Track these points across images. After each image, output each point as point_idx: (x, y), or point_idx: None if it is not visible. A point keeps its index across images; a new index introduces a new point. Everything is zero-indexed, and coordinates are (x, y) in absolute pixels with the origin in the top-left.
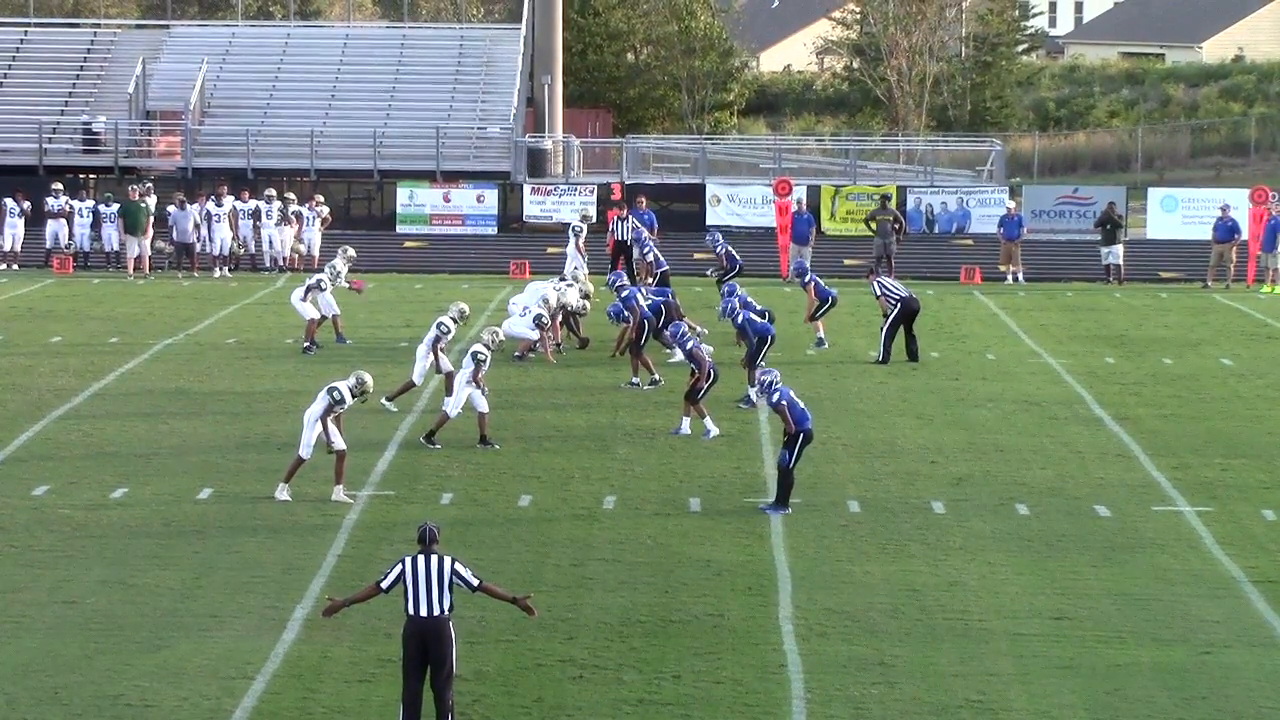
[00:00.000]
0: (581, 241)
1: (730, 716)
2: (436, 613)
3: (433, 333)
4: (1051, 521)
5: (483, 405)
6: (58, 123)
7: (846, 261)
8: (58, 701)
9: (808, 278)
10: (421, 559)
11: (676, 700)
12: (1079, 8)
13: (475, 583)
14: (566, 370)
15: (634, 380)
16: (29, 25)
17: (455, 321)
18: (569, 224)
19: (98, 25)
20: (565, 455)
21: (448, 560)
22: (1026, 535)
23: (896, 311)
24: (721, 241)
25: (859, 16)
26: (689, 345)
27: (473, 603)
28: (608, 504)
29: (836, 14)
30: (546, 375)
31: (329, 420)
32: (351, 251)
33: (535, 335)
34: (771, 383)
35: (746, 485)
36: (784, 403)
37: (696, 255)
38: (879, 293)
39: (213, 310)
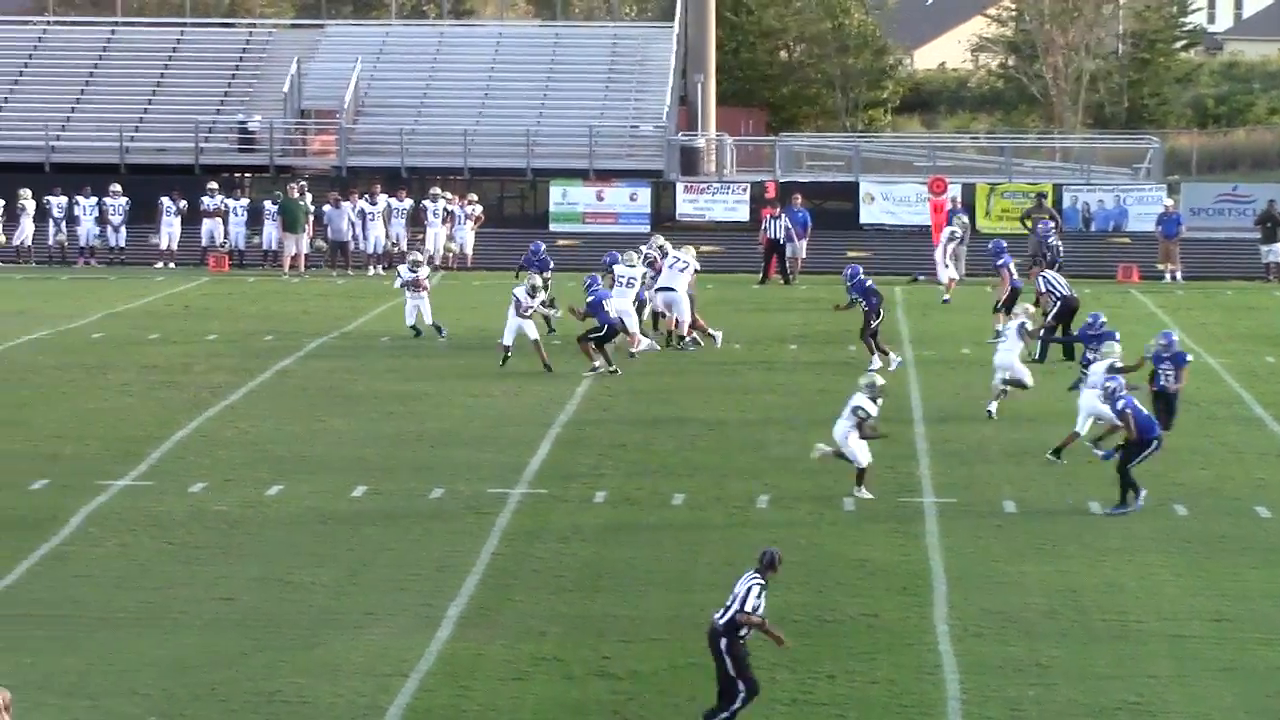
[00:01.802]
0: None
1: (885, 717)
2: (720, 623)
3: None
4: (1210, 522)
5: (533, 333)
6: (214, 122)
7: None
8: (215, 697)
9: (1003, 260)
10: (746, 574)
11: (831, 700)
12: (1238, 3)
13: (748, 607)
14: (720, 369)
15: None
16: (185, 25)
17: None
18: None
19: (253, 25)
20: (719, 454)
21: (748, 579)
22: (1185, 536)
23: (1056, 309)
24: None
25: (1014, 13)
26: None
27: (628, 601)
28: (761, 503)
29: (992, 10)
30: (701, 374)
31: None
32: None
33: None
34: (1116, 390)
35: (901, 485)
36: (1129, 411)
37: (850, 254)
38: (1043, 289)
39: (366, 308)
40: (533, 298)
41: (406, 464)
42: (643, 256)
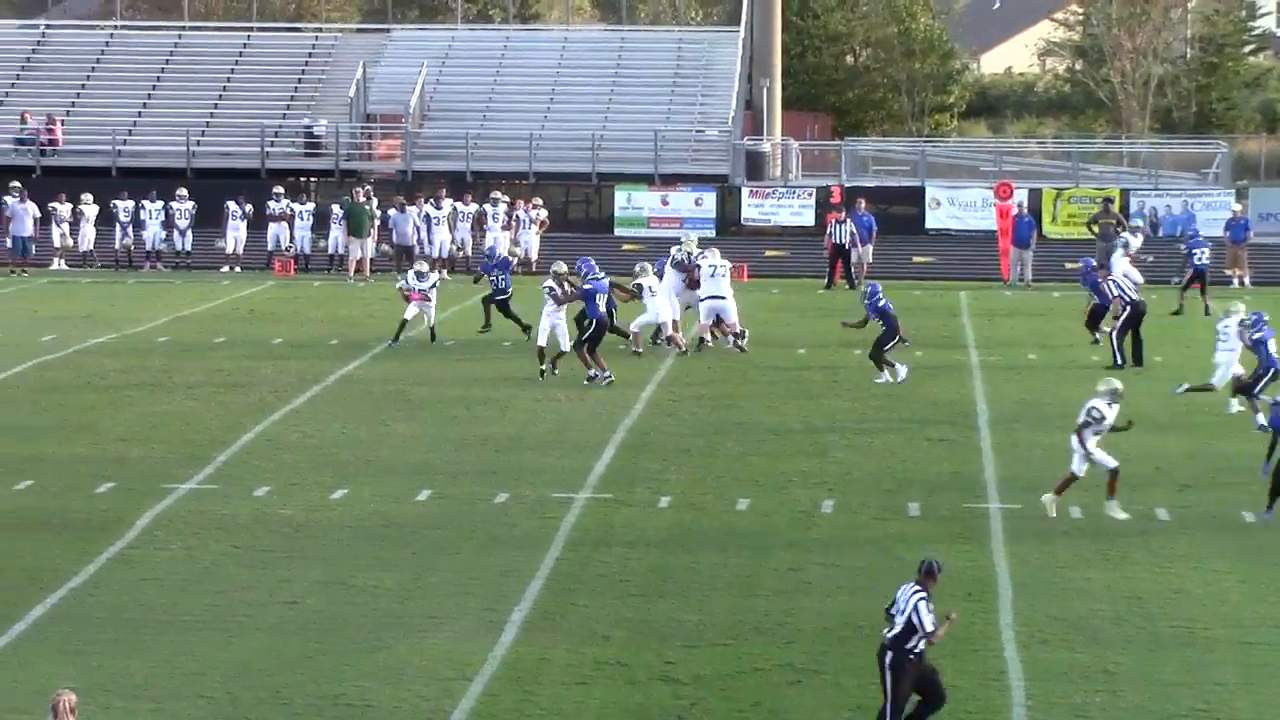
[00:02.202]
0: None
1: None
2: (889, 638)
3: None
4: (1277, 529)
5: (565, 344)
6: (279, 126)
7: (1068, 265)
8: (278, 700)
9: (1091, 278)
10: (905, 586)
11: None
12: None
13: (929, 629)
14: (785, 374)
15: (591, 374)
16: (252, 29)
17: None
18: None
19: (319, 29)
20: (783, 459)
21: (911, 594)
22: (1253, 543)
23: (1127, 314)
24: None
25: (1081, 18)
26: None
27: (691, 606)
28: (825, 508)
29: (1059, 15)
30: (763, 379)
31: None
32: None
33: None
34: (1258, 322)
35: (966, 490)
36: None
37: (915, 259)
38: (1115, 292)
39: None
40: (561, 287)
41: (471, 468)
42: (676, 258)
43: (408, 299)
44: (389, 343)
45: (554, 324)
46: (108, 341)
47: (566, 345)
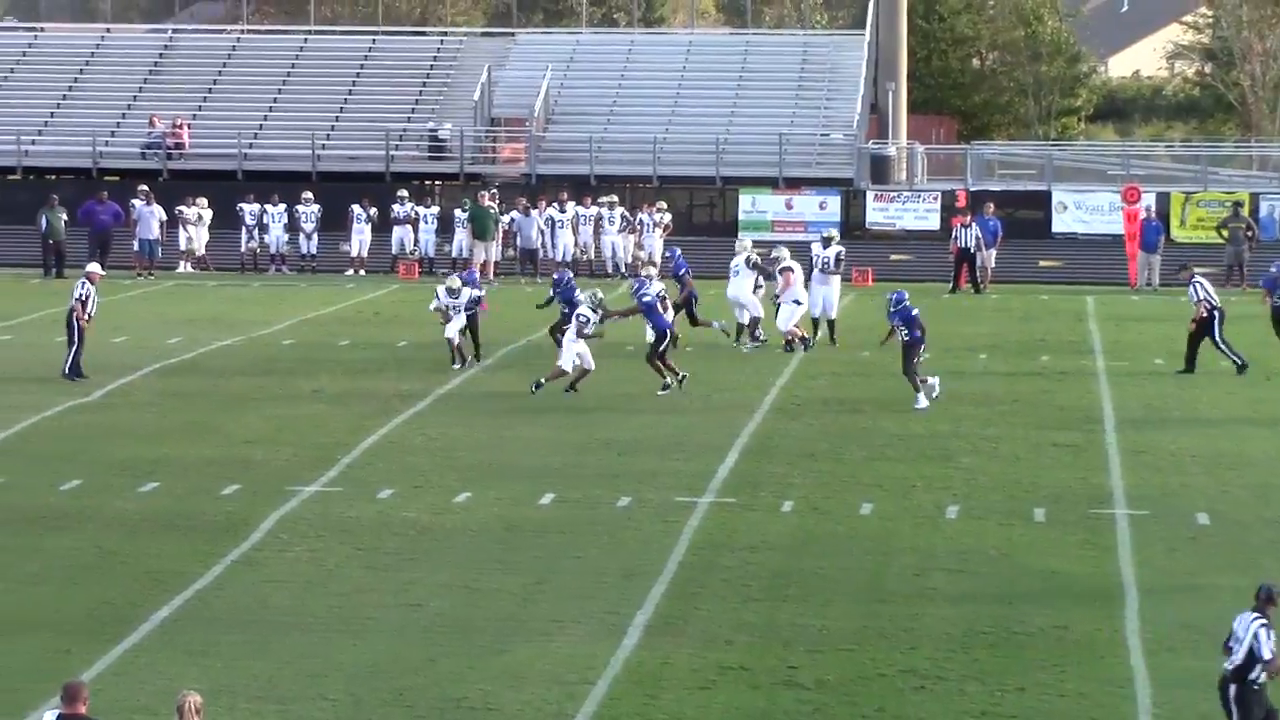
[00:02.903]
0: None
1: None
2: (1229, 669)
3: (574, 325)
4: None
5: (589, 363)
6: (404, 130)
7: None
8: (401, 703)
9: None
10: (1242, 615)
11: (1020, 713)
12: None
13: (1268, 658)
14: (908, 381)
15: (665, 383)
16: (377, 33)
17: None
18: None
19: (444, 33)
20: (907, 464)
21: (1250, 622)
22: None
23: (1213, 319)
24: None
25: (1211, 20)
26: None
27: (815, 611)
28: (950, 513)
29: (1188, 18)
30: (888, 384)
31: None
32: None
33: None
34: None
35: (1092, 496)
36: None
37: (1041, 263)
38: (1199, 296)
39: (554, 315)
40: (595, 313)
41: (593, 472)
42: (746, 258)
43: (446, 319)
44: (455, 364)
45: (579, 352)
46: (233, 344)
47: (591, 364)
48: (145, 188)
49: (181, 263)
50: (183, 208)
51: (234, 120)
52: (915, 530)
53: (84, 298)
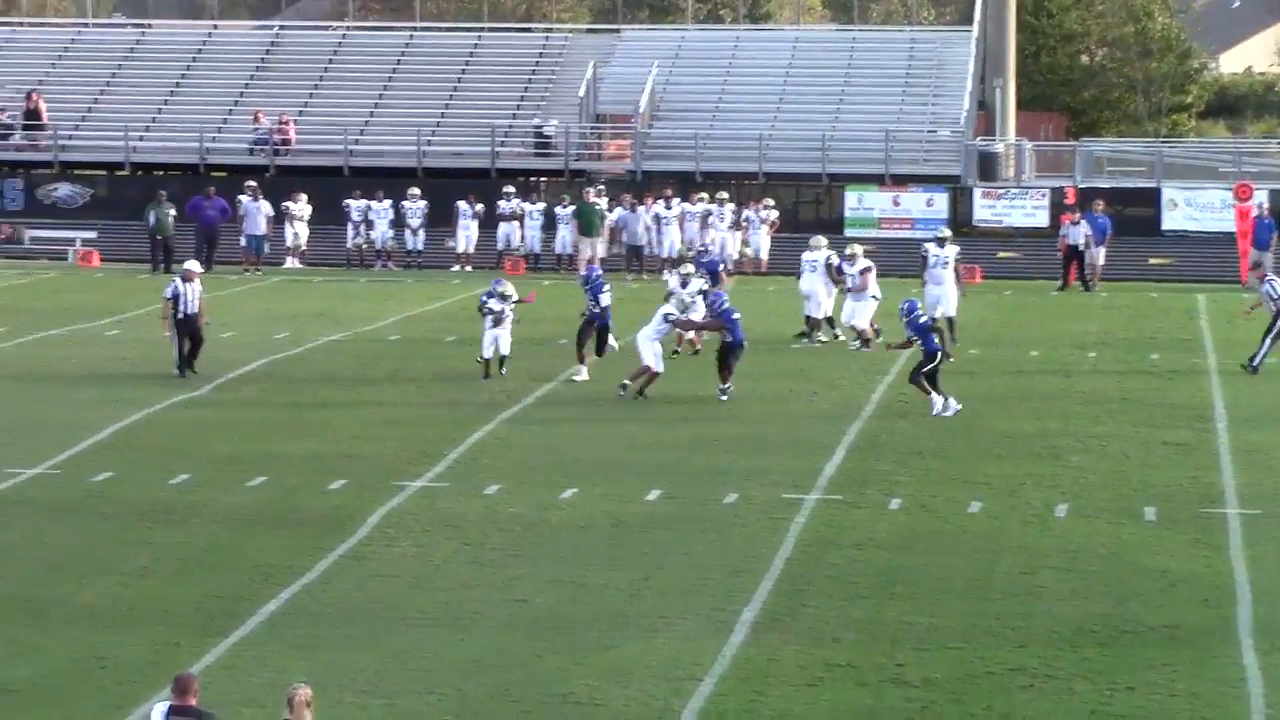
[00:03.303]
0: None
1: None
2: None
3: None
4: None
5: (659, 365)
6: (510, 126)
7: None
8: (507, 698)
9: None
10: None
11: (1130, 713)
12: None
13: None
14: (1018, 376)
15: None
16: (483, 30)
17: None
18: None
19: (550, 30)
20: (1015, 462)
21: None
22: None
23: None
24: None
25: None
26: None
27: (922, 609)
28: (1059, 511)
29: None
30: (996, 382)
31: None
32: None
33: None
34: None
35: (1203, 495)
36: None
37: (1151, 261)
38: (1275, 294)
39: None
40: (684, 287)
41: (700, 468)
42: (825, 256)
43: (496, 319)
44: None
45: (658, 351)
46: (340, 340)
47: (659, 366)
48: (253, 184)
49: (288, 258)
50: (289, 203)
51: (340, 116)
52: (1023, 528)
53: (170, 295)
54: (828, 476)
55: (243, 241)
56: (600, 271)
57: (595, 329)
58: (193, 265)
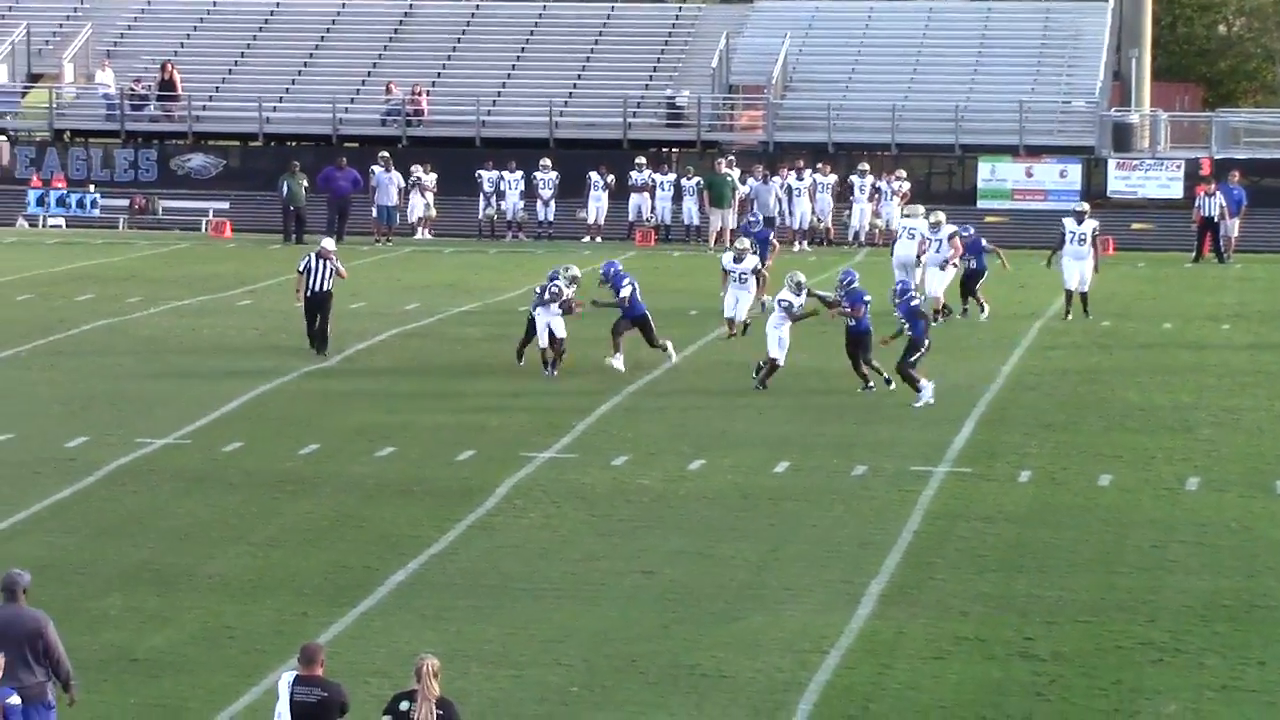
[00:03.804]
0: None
1: None
2: None
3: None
4: None
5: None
6: (642, 97)
7: None
8: (635, 669)
9: None
10: None
11: (1262, 687)
12: None
13: None
14: (1150, 349)
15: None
16: (616, 1)
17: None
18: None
19: (683, 1)
20: (1148, 435)
21: None
22: None
23: None
24: None
25: None
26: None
27: (1051, 583)
28: (1190, 485)
29: None
30: (1128, 354)
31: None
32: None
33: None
34: None
35: None
36: None
37: None
38: None
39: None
40: (799, 295)
41: (829, 440)
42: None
43: (569, 310)
44: (519, 362)
45: (782, 338)
46: (470, 310)
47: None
48: (385, 154)
49: (419, 229)
50: (420, 174)
51: (473, 87)
52: (1154, 502)
53: (302, 269)
54: (956, 449)
55: (374, 212)
56: (619, 265)
57: (631, 321)
58: (329, 244)
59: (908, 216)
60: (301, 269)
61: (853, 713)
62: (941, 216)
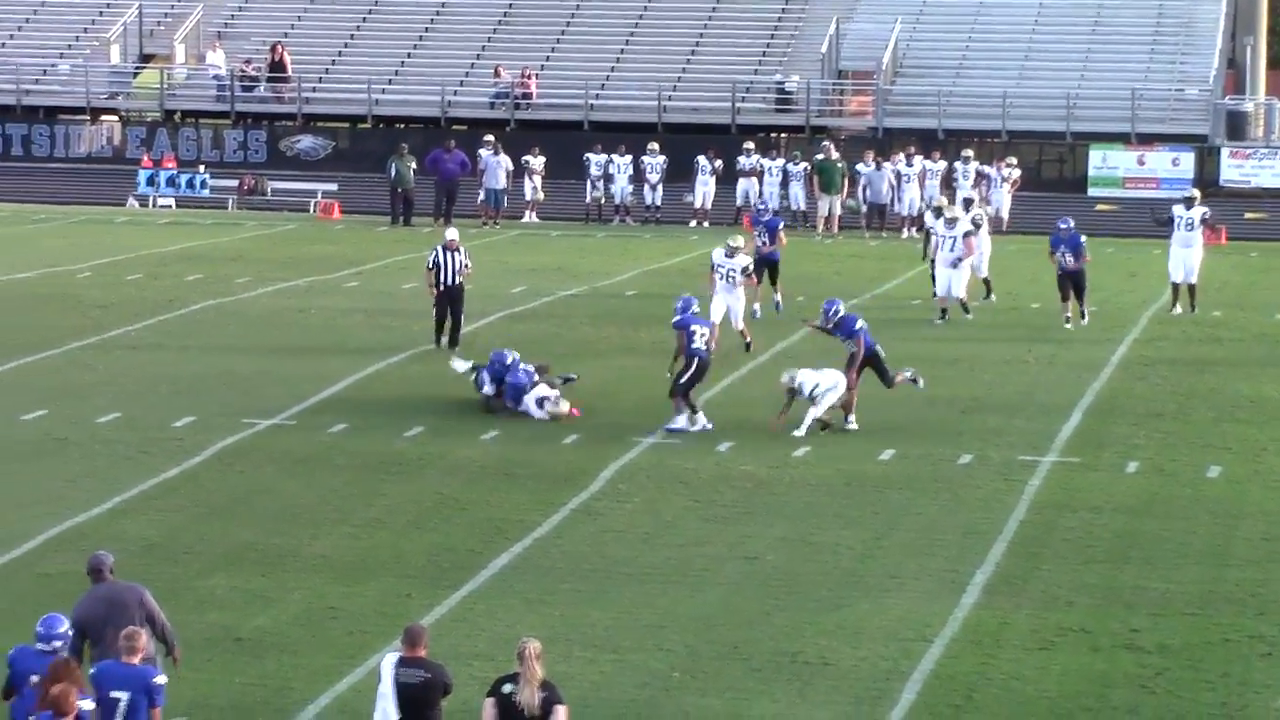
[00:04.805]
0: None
1: None
2: None
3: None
4: None
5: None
6: (751, 82)
7: None
8: (737, 656)
9: None
10: None
11: None
12: None
13: None
14: (1263, 341)
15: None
16: None
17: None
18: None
19: None
20: (1258, 426)
21: None
22: None
23: None
24: None
25: None
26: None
27: (1159, 574)
28: None
29: None
30: (1240, 345)
31: None
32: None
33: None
34: None
35: None
36: None
37: None
38: None
39: (899, 271)
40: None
41: (935, 428)
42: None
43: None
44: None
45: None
46: (577, 294)
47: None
48: (490, 137)
49: (526, 212)
50: (529, 158)
51: (581, 71)
52: (1265, 494)
53: (431, 265)
54: (1064, 438)
55: (481, 195)
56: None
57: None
58: (453, 234)
59: (936, 211)
60: (431, 264)
61: (956, 702)
62: (959, 211)
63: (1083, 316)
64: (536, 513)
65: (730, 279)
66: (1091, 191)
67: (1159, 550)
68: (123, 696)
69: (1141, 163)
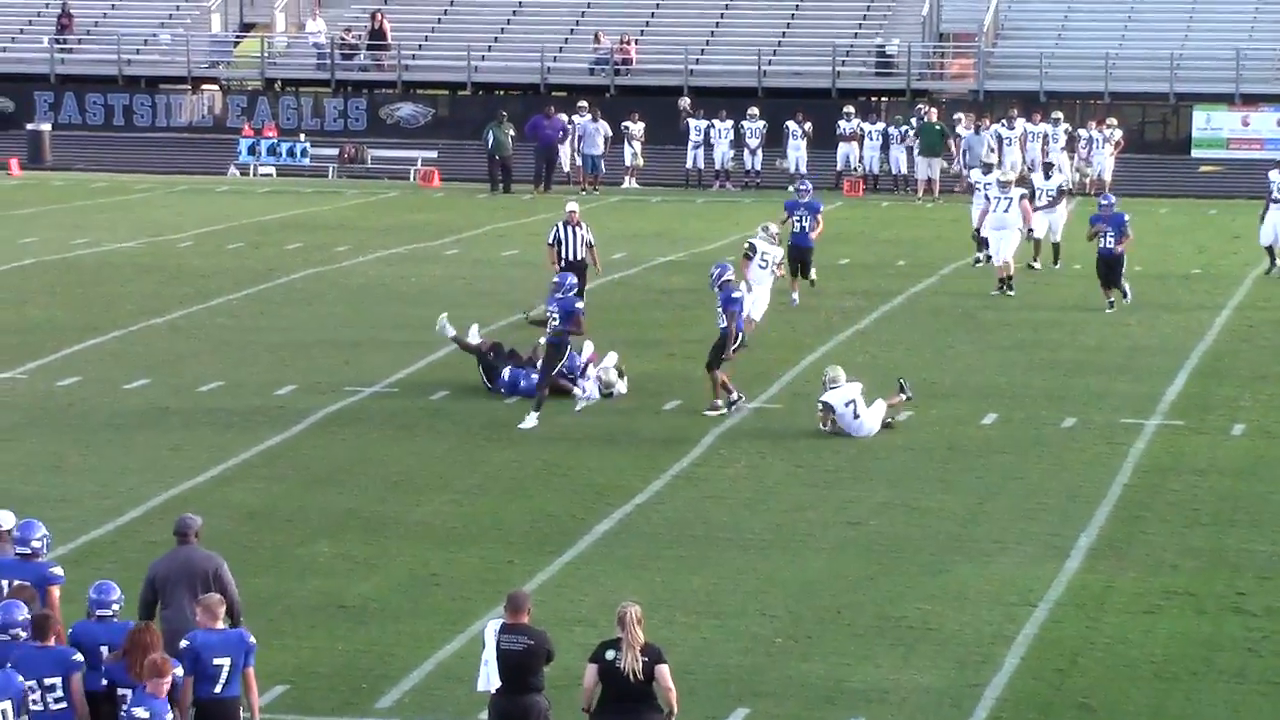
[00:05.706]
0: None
1: None
2: None
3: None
4: None
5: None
6: (851, 46)
7: None
8: (840, 621)
9: None
10: None
11: None
12: None
13: None
14: None
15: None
16: None
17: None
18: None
19: None
20: None
21: None
22: None
23: None
24: None
25: None
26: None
27: (1265, 537)
28: None
29: None
30: None
31: None
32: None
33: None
34: None
35: None
36: None
37: None
38: None
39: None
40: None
41: (1038, 392)
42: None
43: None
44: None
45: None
46: (676, 259)
47: None
48: (584, 103)
49: (626, 178)
50: (628, 124)
51: (680, 36)
52: None
53: (552, 241)
54: (1168, 401)
55: (579, 161)
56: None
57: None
58: (573, 207)
59: (986, 174)
60: (551, 240)
61: (1061, 666)
62: (1011, 175)
63: (1125, 295)
64: (638, 478)
65: (769, 267)
66: (1195, 153)
67: (1265, 512)
68: (224, 663)
69: (1246, 124)
